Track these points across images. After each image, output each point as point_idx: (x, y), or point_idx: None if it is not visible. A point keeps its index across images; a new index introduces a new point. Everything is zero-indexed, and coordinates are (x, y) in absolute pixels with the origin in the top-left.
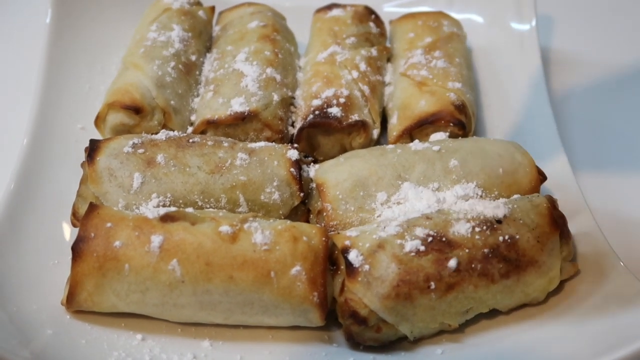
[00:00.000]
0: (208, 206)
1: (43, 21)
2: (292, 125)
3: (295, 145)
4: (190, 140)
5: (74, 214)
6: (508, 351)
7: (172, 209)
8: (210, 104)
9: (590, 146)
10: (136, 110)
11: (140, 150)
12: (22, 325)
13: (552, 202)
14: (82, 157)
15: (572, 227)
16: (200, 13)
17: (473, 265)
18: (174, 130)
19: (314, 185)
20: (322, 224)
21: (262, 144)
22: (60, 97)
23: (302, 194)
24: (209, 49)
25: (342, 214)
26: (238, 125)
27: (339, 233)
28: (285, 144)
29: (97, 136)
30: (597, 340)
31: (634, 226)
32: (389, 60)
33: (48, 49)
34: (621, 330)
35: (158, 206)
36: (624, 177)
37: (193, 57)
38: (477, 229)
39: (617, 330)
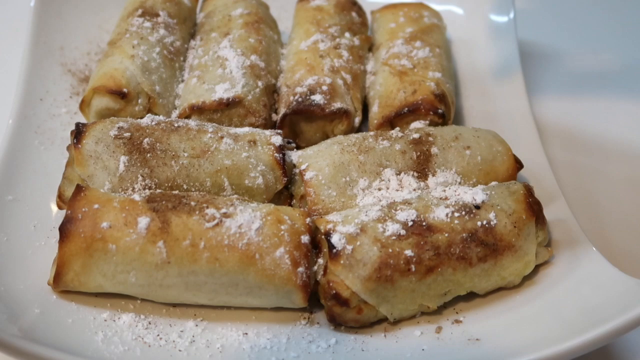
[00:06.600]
0: (193, 190)
1: (27, 4)
2: (275, 112)
3: (279, 131)
4: (176, 125)
5: (60, 196)
6: (484, 333)
7: (158, 191)
8: (194, 89)
9: (566, 135)
10: (121, 94)
11: (127, 134)
12: (10, 304)
13: (528, 189)
14: (67, 140)
15: (547, 213)
16: (185, 0)
17: (452, 249)
18: (159, 115)
19: (297, 170)
20: (305, 209)
21: (246, 129)
22: (44, 81)
23: (285, 179)
24: (193, 36)
25: (324, 199)
26: (222, 111)
27: (321, 217)
28: (269, 130)
29: (82, 120)
30: (569, 322)
31: (606, 213)
32: (370, 49)
33: (32, 33)
34: (593, 313)
35: (144, 189)
36: (597, 166)
37: (178, 44)
38: (456, 214)
39: (589, 312)
